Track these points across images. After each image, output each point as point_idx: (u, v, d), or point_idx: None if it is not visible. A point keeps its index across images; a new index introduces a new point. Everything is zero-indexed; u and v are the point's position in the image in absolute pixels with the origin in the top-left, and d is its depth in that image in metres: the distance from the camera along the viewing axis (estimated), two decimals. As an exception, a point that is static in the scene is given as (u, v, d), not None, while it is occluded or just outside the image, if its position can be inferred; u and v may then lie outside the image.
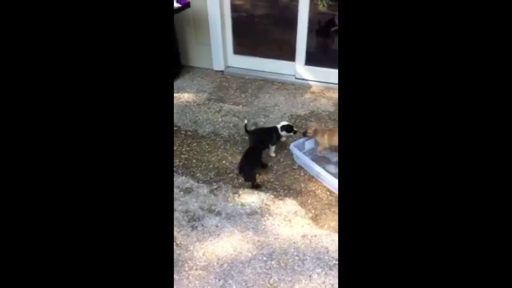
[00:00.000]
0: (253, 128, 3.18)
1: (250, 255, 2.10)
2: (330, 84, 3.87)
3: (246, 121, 3.03)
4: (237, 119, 3.41)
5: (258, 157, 2.71)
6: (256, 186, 2.59)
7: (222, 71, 4.27)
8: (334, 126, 3.24)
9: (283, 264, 2.04)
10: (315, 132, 2.79)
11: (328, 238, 2.21)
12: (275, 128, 2.88)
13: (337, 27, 4.00)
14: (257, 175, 2.66)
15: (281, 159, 2.88)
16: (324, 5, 3.80)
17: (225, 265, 2.04)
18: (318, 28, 4.03)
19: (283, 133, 2.87)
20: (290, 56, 3.96)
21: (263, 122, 3.33)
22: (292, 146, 2.79)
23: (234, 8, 3.99)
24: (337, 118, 3.36)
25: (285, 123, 2.89)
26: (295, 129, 2.91)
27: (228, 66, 4.32)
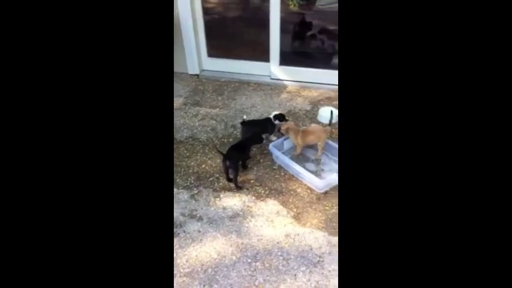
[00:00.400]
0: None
1: (234, 258, 2.09)
2: (306, 84, 3.90)
3: (244, 117, 3.12)
4: (214, 122, 3.39)
5: (247, 151, 2.75)
6: (238, 188, 2.58)
7: (197, 75, 4.24)
8: (311, 124, 3.26)
9: (267, 265, 2.04)
10: (287, 130, 2.81)
11: (311, 236, 2.22)
12: (269, 119, 3.02)
13: (313, 32, 4.05)
14: (238, 178, 2.65)
15: (261, 160, 2.88)
16: (295, 5, 3.82)
17: (209, 270, 2.02)
18: (293, 30, 4.07)
19: (276, 122, 2.99)
20: (264, 56, 3.97)
21: (241, 124, 3.33)
22: (271, 146, 2.80)
23: (206, 11, 3.97)
24: (314, 117, 3.39)
25: (276, 112, 3.04)
26: (286, 118, 3.02)
27: (203, 70, 4.29)
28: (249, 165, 2.81)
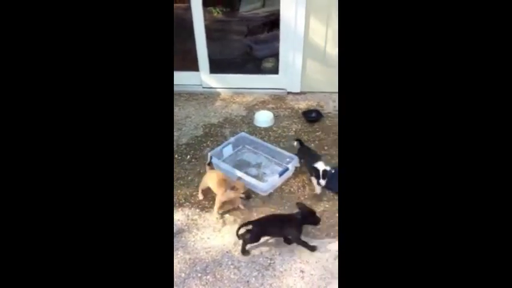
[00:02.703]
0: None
1: (183, 275, 1.99)
2: (239, 89, 3.90)
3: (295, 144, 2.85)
4: (149, 137, 3.24)
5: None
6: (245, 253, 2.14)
7: (125, 91, 4.04)
8: (248, 129, 3.26)
9: (219, 276, 1.98)
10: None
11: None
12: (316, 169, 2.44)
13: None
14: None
15: (201, 171, 2.79)
16: (218, 13, 3.84)
17: (158, 292, 1.90)
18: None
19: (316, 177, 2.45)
20: (194, 66, 3.91)
21: (177, 136, 3.22)
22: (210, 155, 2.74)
23: (128, 24, 3.82)
24: (250, 122, 3.39)
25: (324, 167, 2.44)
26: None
27: (132, 85, 4.11)
28: (190, 178, 2.73)
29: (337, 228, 2.22)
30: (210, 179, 2.42)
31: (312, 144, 3.04)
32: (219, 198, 2.33)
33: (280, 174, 2.57)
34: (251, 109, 3.60)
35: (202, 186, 2.52)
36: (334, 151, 2.95)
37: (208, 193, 2.51)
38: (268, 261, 2.05)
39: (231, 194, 2.31)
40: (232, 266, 2.03)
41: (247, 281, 1.94)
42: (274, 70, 3.83)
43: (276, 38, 3.59)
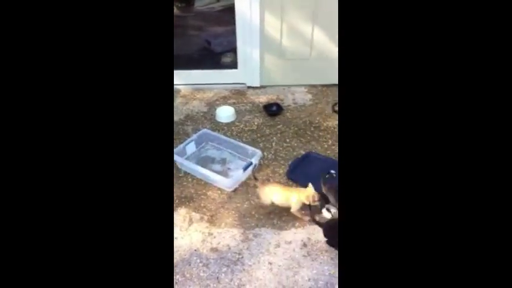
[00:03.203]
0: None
1: (152, 277, 1.99)
2: (199, 85, 3.87)
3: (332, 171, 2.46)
4: (108, 139, 3.16)
5: None
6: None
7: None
8: (210, 126, 3.26)
9: (188, 275, 1.99)
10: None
11: (227, 235, 2.23)
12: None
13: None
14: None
15: (165, 170, 2.78)
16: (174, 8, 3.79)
17: (127, 297, 1.89)
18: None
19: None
20: (152, 63, 3.83)
21: (138, 137, 3.17)
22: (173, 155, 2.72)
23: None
24: (212, 117, 3.39)
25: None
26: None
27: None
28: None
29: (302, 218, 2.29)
30: (284, 199, 2.31)
31: (274, 138, 3.10)
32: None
33: (245, 169, 2.60)
34: (212, 105, 3.60)
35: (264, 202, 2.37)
36: (296, 143, 3.03)
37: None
38: (237, 256, 2.09)
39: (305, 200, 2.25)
40: (201, 264, 2.05)
41: (217, 278, 1.98)
42: (233, 65, 3.84)
43: (234, 32, 3.59)
